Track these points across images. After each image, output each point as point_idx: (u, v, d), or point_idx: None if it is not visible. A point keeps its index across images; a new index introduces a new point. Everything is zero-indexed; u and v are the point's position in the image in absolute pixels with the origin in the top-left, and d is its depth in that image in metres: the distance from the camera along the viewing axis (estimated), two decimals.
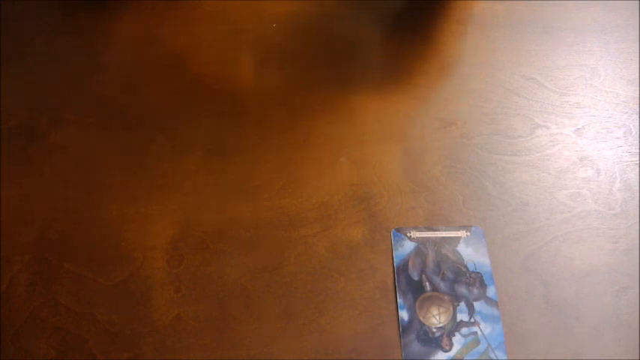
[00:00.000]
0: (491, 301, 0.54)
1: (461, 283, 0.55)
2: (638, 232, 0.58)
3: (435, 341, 0.52)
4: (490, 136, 0.64)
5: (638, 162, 0.62)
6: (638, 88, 0.68)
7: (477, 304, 0.53)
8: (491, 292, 0.54)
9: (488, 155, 0.63)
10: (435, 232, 0.57)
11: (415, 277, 0.55)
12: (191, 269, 0.55)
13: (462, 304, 0.53)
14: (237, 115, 0.65)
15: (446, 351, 0.51)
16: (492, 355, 0.51)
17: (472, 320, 0.53)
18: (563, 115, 0.66)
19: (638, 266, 0.56)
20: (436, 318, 0.53)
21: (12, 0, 0.75)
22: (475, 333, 0.52)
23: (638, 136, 0.64)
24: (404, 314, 0.53)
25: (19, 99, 0.66)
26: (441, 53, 0.71)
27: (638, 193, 0.60)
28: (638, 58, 0.70)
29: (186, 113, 0.65)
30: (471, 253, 0.56)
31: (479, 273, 0.55)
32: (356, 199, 0.59)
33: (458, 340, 0.52)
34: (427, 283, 0.55)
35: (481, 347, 0.51)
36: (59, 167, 0.61)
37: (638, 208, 0.59)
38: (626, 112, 0.66)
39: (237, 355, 0.51)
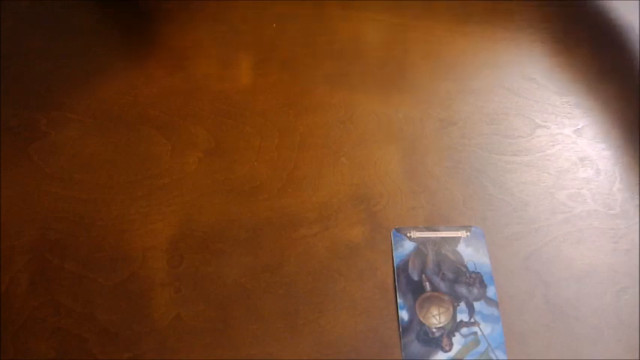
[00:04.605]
0: (491, 301, 0.54)
1: (461, 283, 0.55)
2: (638, 232, 0.58)
3: (435, 341, 0.52)
4: (490, 136, 0.64)
5: (638, 162, 0.62)
6: (638, 88, 0.68)
7: (477, 304, 0.53)
8: (491, 292, 0.54)
9: (488, 155, 0.63)
10: (435, 232, 0.57)
11: (415, 277, 0.55)
12: (191, 269, 0.55)
13: (462, 304, 0.53)
14: (237, 115, 0.65)
15: (446, 351, 0.51)
16: (492, 355, 0.51)
17: (472, 320, 0.53)
18: (563, 115, 0.66)
19: (638, 266, 0.56)
20: (436, 318, 0.53)
21: (12, 0, 0.75)
22: (475, 333, 0.52)
23: (638, 136, 0.64)
24: (404, 314, 0.53)
25: (19, 99, 0.66)
26: (441, 53, 0.71)
27: (638, 193, 0.60)
28: (638, 58, 0.70)
29: (186, 113, 0.65)
30: (471, 253, 0.56)
31: (479, 273, 0.55)
32: (356, 199, 0.59)
33: (458, 340, 0.52)
34: (427, 283, 0.55)
35: (481, 347, 0.51)
36: (59, 167, 0.61)
37: (638, 208, 0.59)
38: (626, 112, 0.66)
39: (237, 355, 0.51)
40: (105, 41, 0.71)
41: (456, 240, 0.57)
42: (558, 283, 0.55)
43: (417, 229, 0.58)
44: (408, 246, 0.57)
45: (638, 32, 0.73)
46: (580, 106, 0.67)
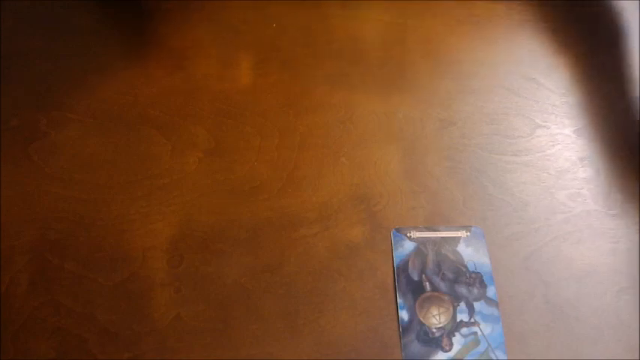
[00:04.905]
0: (491, 301, 0.54)
1: (461, 283, 0.55)
2: (638, 232, 0.58)
3: (435, 341, 0.52)
4: (490, 136, 0.64)
5: (638, 162, 0.62)
6: (638, 88, 0.68)
7: (477, 304, 0.53)
8: (491, 292, 0.54)
9: (488, 155, 0.63)
10: (435, 232, 0.57)
11: (415, 277, 0.55)
12: (191, 269, 0.55)
13: (462, 304, 0.53)
14: (237, 115, 0.65)
15: (446, 351, 0.51)
16: (492, 355, 0.51)
17: (472, 320, 0.53)
18: (563, 115, 0.66)
19: (638, 266, 0.56)
20: (436, 318, 0.53)
21: (12, 0, 0.75)
22: (475, 333, 0.52)
23: (638, 136, 0.64)
24: (404, 314, 0.53)
25: (19, 99, 0.66)
26: (441, 53, 0.71)
27: (638, 193, 0.60)
28: (638, 58, 0.70)
29: (186, 113, 0.65)
30: (471, 253, 0.56)
31: (479, 273, 0.55)
32: (356, 199, 0.59)
33: (458, 340, 0.52)
34: (427, 283, 0.55)
35: (481, 347, 0.51)
36: (59, 167, 0.61)
37: (638, 208, 0.59)
38: (626, 113, 0.66)
39: (237, 355, 0.51)
40: (105, 41, 0.71)
41: (456, 240, 0.57)
42: (558, 283, 0.55)
43: (417, 229, 0.58)
44: (408, 246, 0.57)
45: (638, 32, 0.73)
46: (580, 106, 0.67)
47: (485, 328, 0.52)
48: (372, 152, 0.63)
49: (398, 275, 0.55)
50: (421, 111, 0.66)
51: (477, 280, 0.55)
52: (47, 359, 0.51)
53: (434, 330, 0.52)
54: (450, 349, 0.51)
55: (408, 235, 0.57)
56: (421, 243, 0.57)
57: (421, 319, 0.53)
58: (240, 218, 0.58)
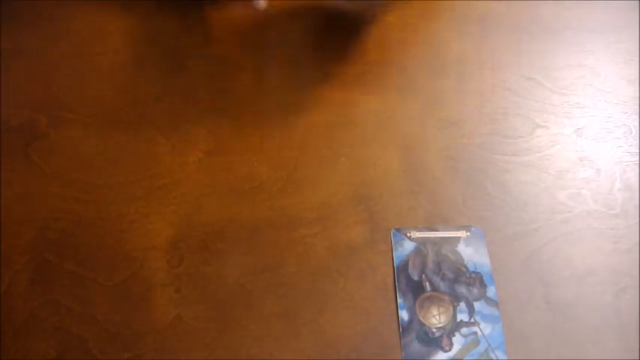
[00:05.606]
0: (491, 301, 0.54)
1: (461, 283, 0.55)
2: (638, 232, 0.58)
3: (435, 341, 0.52)
4: (490, 136, 0.64)
5: (638, 162, 0.62)
6: (638, 88, 0.68)
7: (477, 304, 0.53)
8: (491, 292, 0.54)
9: (488, 155, 0.63)
10: (435, 232, 0.57)
11: (415, 277, 0.55)
12: (191, 269, 0.55)
13: (462, 304, 0.53)
14: (237, 115, 0.65)
15: (446, 351, 0.51)
16: (492, 355, 0.51)
17: (472, 320, 0.53)
18: (563, 115, 0.66)
19: (638, 266, 0.56)
20: (436, 318, 0.53)
21: (12, 0, 0.75)
22: (475, 333, 0.52)
23: (638, 136, 0.64)
24: (404, 314, 0.53)
25: (19, 99, 0.66)
26: (441, 53, 0.71)
27: (638, 193, 0.60)
28: (638, 58, 0.70)
29: (186, 113, 0.65)
30: (471, 253, 0.56)
31: (479, 273, 0.55)
32: (356, 199, 0.59)
33: (458, 340, 0.52)
34: (427, 283, 0.55)
35: (481, 347, 0.51)
36: (59, 167, 0.61)
37: (638, 208, 0.59)
38: (626, 112, 0.66)
39: (237, 355, 0.51)
40: (104, 41, 0.71)
41: (456, 240, 0.57)
42: (558, 283, 0.55)
43: (417, 229, 0.58)
44: (408, 246, 0.57)
45: (638, 32, 0.73)
46: (580, 106, 0.67)
47: (485, 328, 0.52)
48: (372, 152, 0.63)
49: (398, 275, 0.55)
50: (421, 111, 0.66)
51: (477, 280, 0.55)
52: (47, 359, 0.51)
53: (434, 330, 0.52)
54: (450, 349, 0.51)
55: (408, 235, 0.57)
56: (421, 243, 0.57)
57: (421, 319, 0.53)
58: (240, 218, 0.58)
